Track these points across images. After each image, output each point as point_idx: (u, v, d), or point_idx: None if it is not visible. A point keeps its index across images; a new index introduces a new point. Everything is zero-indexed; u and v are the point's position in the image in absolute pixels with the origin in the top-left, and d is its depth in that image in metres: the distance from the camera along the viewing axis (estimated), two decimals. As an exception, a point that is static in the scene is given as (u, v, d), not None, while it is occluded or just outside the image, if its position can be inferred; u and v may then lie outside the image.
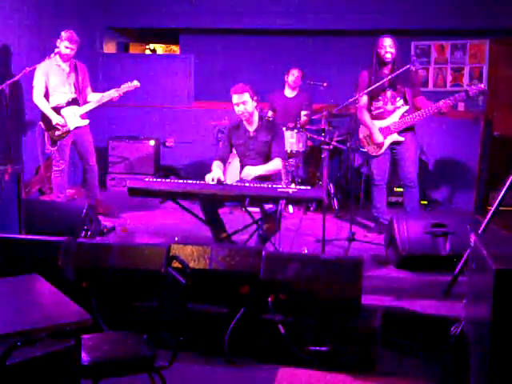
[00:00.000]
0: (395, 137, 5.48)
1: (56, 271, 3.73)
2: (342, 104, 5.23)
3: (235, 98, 4.75)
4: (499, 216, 3.92)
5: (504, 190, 3.83)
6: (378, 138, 5.46)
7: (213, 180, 4.52)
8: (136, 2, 8.13)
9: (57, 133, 5.80)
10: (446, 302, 4.01)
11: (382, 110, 5.52)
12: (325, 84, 6.83)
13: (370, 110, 5.56)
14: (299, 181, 6.54)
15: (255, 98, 4.80)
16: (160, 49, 11.02)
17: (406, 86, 5.47)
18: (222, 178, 4.58)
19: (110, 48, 8.61)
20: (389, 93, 5.48)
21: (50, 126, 5.80)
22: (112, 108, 6.19)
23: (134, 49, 9.68)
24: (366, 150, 5.60)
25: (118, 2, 8.21)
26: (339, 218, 6.28)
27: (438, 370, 3.56)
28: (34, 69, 5.73)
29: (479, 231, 3.80)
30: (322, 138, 5.68)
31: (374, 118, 5.55)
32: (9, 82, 5.64)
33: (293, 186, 4.47)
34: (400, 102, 5.50)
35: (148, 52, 10.60)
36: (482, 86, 5.23)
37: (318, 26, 7.65)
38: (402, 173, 5.60)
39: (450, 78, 7.80)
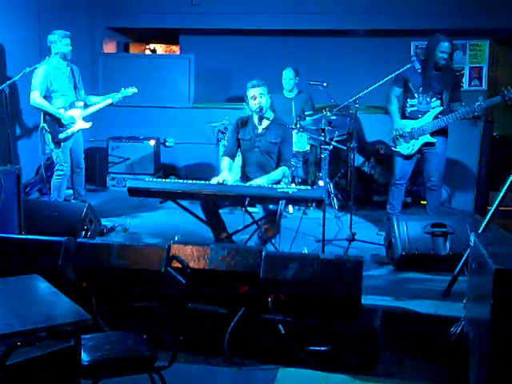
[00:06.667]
0: (427, 138, 5.38)
1: (56, 271, 3.73)
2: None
3: (253, 91, 4.75)
4: (499, 216, 3.92)
5: (504, 190, 3.83)
6: (399, 125, 5.43)
7: (218, 181, 4.54)
8: (136, 1, 8.12)
9: (61, 135, 5.74)
10: (446, 302, 4.02)
11: (415, 108, 5.42)
12: (324, 84, 6.81)
13: (404, 108, 5.49)
14: (299, 181, 6.53)
15: (269, 95, 4.84)
16: (160, 49, 11.00)
17: (445, 88, 5.36)
18: (228, 182, 4.58)
19: (109, 48, 8.59)
20: (426, 92, 5.36)
21: (54, 127, 5.73)
22: (112, 108, 6.19)
23: (134, 49, 9.65)
24: (397, 149, 5.51)
25: (118, 2, 8.20)
26: (339, 218, 6.28)
27: (438, 370, 3.55)
28: (35, 69, 5.70)
29: (479, 231, 3.81)
30: (322, 138, 5.67)
31: (407, 117, 5.47)
32: (8, 82, 5.64)
33: (293, 186, 4.47)
34: (436, 102, 5.38)
35: (148, 52, 10.58)
36: None
37: (317, 26, 7.65)
38: (425, 175, 5.59)
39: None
